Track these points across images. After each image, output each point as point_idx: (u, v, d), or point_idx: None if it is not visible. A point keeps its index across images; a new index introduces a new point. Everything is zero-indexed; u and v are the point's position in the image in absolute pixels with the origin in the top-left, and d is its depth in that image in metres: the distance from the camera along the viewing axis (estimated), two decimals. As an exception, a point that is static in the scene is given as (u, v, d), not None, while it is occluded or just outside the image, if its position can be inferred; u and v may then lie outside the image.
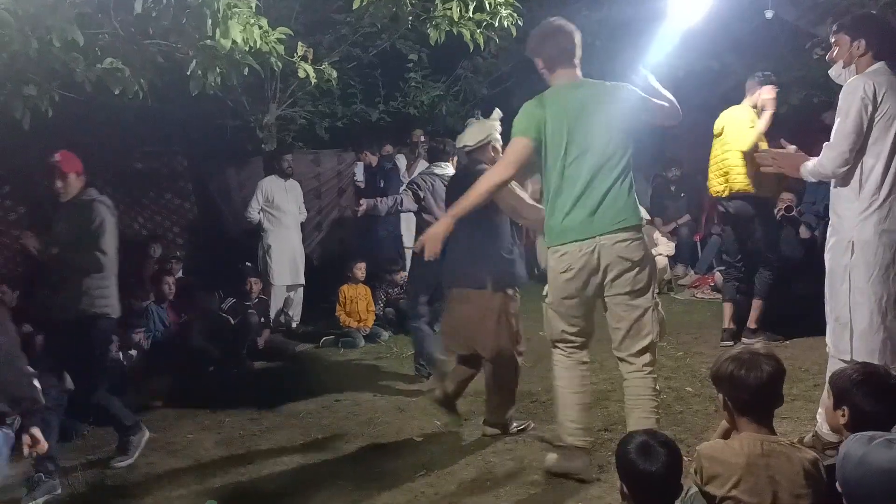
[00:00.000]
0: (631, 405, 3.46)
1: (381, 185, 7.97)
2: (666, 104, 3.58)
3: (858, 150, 3.38)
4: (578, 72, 3.55)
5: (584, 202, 3.37)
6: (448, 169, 5.49)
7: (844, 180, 3.46)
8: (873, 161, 3.37)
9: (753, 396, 2.30)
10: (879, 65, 3.42)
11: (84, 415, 4.71)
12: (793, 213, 7.07)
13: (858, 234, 3.39)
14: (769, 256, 5.77)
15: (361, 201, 6.26)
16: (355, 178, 8.24)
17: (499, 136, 4.36)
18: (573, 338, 3.57)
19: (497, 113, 4.41)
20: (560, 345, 3.61)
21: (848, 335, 3.41)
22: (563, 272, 3.43)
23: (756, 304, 5.80)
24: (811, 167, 3.57)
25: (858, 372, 2.43)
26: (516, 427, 4.31)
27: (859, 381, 2.38)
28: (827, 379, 3.44)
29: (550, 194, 3.48)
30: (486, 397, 4.38)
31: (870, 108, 3.33)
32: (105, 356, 4.37)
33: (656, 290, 3.51)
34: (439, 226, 3.58)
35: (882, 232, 3.36)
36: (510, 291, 4.22)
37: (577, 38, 3.52)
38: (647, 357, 3.44)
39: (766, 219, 5.80)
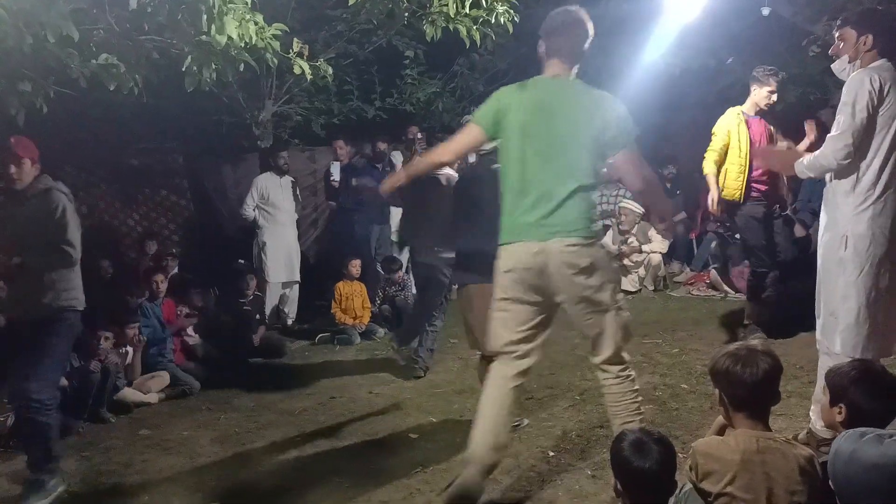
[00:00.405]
0: (613, 411, 3.36)
1: (354, 183, 7.93)
2: (641, 169, 3.41)
3: (860, 143, 3.38)
4: (573, 71, 3.39)
5: (543, 203, 3.20)
6: (445, 169, 5.45)
7: (840, 175, 3.46)
8: (871, 156, 3.37)
9: (749, 393, 2.31)
10: (883, 61, 3.42)
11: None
12: (786, 211, 7.07)
13: (853, 227, 3.39)
14: (754, 260, 5.83)
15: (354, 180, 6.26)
16: (331, 178, 8.05)
17: None
18: (515, 347, 3.34)
19: None
20: (502, 357, 3.39)
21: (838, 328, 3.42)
22: (508, 271, 3.30)
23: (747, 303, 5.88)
24: (809, 162, 3.55)
25: (856, 369, 2.43)
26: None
27: (856, 378, 2.38)
28: (820, 375, 3.47)
29: (509, 188, 3.32)
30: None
31: (875, 102, 3.32)
32: (68, 351, 4.15)
33: (616, 295, 3.32)
34: (397, 176, 3.70)
35: (876, 227, 3.36)
36: None
37: (590, 40, 3.35)
38: (619, 362, 3.33)
39: (744, 223, 5.80)
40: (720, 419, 2.51)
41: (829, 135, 3.46)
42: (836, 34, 3.57)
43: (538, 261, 3.21)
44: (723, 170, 5.55)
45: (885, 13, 3.76)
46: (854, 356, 3.34)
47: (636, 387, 3.39)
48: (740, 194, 5.51)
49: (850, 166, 3.41)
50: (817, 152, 3.52)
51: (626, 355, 3.36)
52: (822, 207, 3.60)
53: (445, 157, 3.55)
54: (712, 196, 5.58)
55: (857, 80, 3.38)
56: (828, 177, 3.56)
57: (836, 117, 3.44)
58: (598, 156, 3.28)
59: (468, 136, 3.43)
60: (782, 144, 3.82)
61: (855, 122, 3.34)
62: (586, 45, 3.37)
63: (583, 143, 3.23)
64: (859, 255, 3.38)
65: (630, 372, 3.38)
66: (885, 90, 3.33)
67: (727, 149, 5.50)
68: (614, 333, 3.28)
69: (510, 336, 3.34)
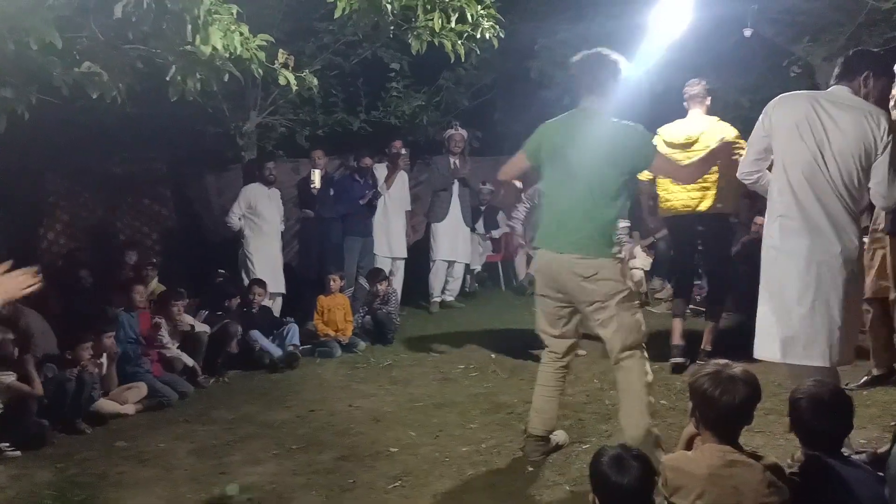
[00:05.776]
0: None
1: (332, 193, 7.91)
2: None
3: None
4: (599, 102, 3.77)
5: (560, 219, 3.77)
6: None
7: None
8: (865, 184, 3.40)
9: (722, 417, 2.33)
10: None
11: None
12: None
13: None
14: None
15: None
16: (311, 184, 7.98)
17: None
18: (548, 339, 3.95)
19: None
20: (545, 344, 3.99)
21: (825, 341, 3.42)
22: (536, 270, 3.94)
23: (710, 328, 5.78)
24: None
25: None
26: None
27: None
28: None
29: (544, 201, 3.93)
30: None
31: None
32: None
33: (621, 298, 3.64)
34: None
35: (866, 244, 3.43)
36: None
37: (614, 73, 3.75)
38: (627, 355, 3.71)
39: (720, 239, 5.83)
40: (688, 430, 2.54)
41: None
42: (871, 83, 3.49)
43: (550, 268, 3.77)
44: None
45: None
46: (843, 364, 3.42)
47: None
48: None
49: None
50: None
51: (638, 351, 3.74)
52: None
53: (503, 177, 4.35)
54: None
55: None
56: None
57: None
58: (620, 179, 3.69)
59: (517, 161, 4.07)
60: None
61: None
62: (611, 76, 3.78)
63: (600, 169, 3.66)
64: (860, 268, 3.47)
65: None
66: None
67: None
68: (624, 332, 3.68)
69: (545, 326, 3.95)
